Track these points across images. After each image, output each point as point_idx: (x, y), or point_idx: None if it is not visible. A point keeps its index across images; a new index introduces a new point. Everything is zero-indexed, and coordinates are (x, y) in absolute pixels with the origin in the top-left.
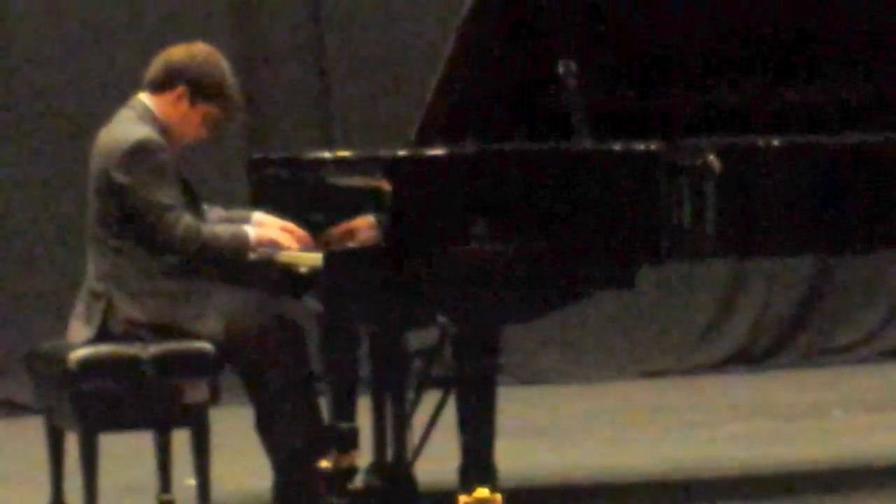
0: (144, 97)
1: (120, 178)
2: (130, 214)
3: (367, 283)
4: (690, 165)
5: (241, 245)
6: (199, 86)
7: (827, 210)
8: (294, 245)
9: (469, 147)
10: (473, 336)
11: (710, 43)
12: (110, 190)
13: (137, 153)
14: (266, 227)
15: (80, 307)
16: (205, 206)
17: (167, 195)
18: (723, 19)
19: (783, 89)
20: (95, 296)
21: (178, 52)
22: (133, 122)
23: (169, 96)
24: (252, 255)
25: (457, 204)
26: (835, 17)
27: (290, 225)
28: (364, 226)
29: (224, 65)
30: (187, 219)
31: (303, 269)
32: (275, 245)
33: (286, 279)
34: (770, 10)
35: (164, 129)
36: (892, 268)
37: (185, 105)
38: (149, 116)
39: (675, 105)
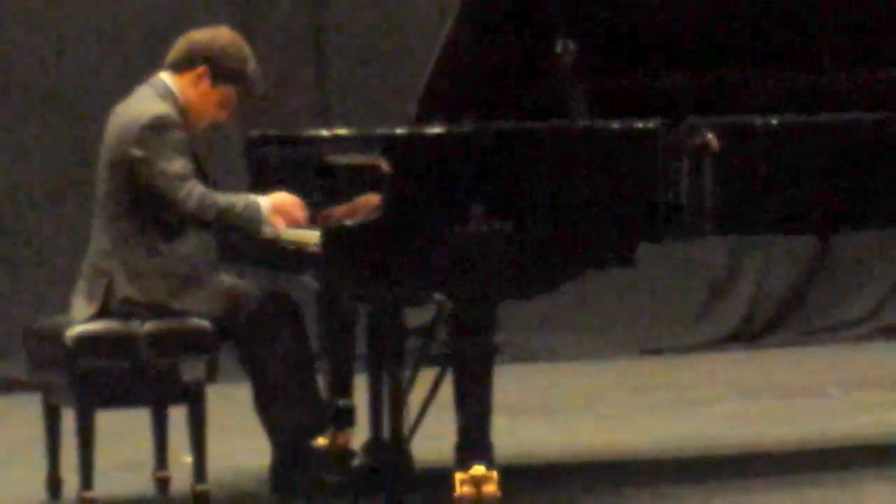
0: (165, 76)
1: (135, 152)
2: (144, 188)
3: (365, 261)
4: (689, 144)
5: (254, 213)
6: (220, 66)
7: (824, 189)
8: (302, 215)
9: (467, 125)
10: (470, 314)
11: (709, 22)
12: (124, 165)
13: (154, 128)
14: (275, 196)
15: (82, 284)
16: None
17: (181, 165)
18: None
19: (781, 69)
20: (98, 272)
21: (200, 34)
22: (152, 99)
23: (190, 76)
24: (267, 228)
25: (455, 182)
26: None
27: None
28: (364, 204)
29: (246, 48)
30: (200, 187)
31: (313, 248)
32: (286, 211)
33: (284, 257)
34: None
35: (182, 110)
36: (889, 246)
37: (205, 85)
38: (168, 95)
39: (673, 85)
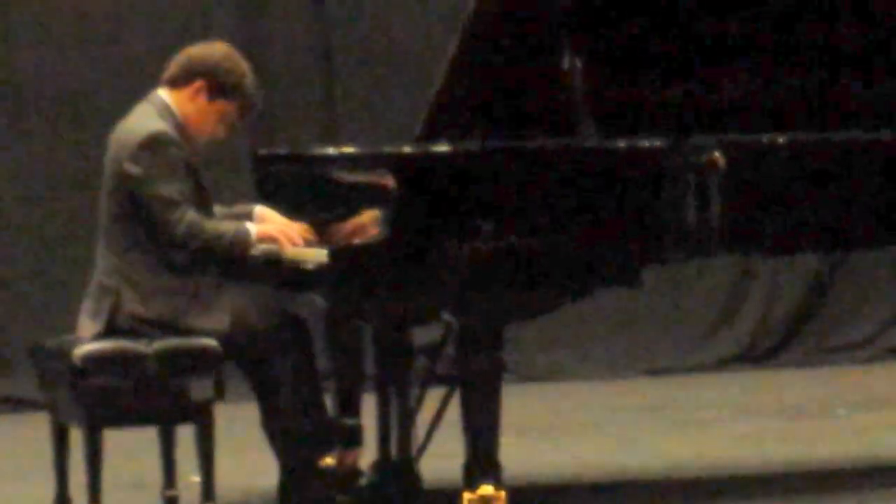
0: (163, 93)
1: (131, 169)
2: (138, 206)
3: (372, 280)
4: (695, 163)
5: (242, 242)
6: (217, 81)
7: (831, 208)
8: (297, 241)
9: (473, 144)
10: (478, 333)
11: (715, 36)
12: (122, 182)
13: (150, 145)
14: (267, 224)
15: (88, 302)
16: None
17: (175, 190)
18: (728, 13)
19: (788, 84)
20: (104, 290)
21: (197, 49)
22: (150, 116)
23: (187, 91)
24: (255, 252)
25: (461, 201)
26: (843, 14)
27: (291, 222)
28: (369, 221)
29: (243, 63)
30: (191, 215)
31: (310, 266)
32: (276, 241)
33: (292, 275)
34: (780, 6)
35: (181, 127)
36: None
37: (202, 100)
38: (167, 112)
39: (680, 100)
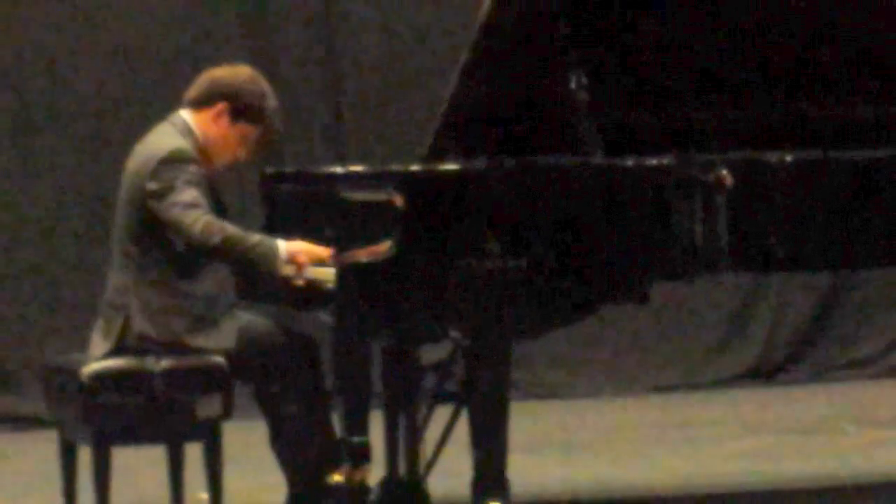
0: (185, 113)
1: (151, 186)
2: (158, 223)
3: (379, 298)
4: (702, 181)
5: (269, 252)
6: (239, 104)
7: (838, 226)
8: (326, 256)
9: (481, 162)
10: (485, 350)
11: (723, 57)
12: (141, 200)
13: (170, 161)
14: (293, 242)
15: (100, 320)
16: None
17: (192, 196)
18: (735, 34)
19: (796, 104)
20: (115, 309)
21: (221, 72)
22: (170, 134)
23: (209, 113)
24: (289, 270)
25: (468, 219)
26: (847, 33)
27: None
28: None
29: (266, 87)
30: (210, 216)
31: (330, 286)
32: (307, 254)
33: (300, 294)
34: (783, 26)
35: (201, 148)
36: None
37: (224, 122)
38: (188, 132)
39: (686, 120)
